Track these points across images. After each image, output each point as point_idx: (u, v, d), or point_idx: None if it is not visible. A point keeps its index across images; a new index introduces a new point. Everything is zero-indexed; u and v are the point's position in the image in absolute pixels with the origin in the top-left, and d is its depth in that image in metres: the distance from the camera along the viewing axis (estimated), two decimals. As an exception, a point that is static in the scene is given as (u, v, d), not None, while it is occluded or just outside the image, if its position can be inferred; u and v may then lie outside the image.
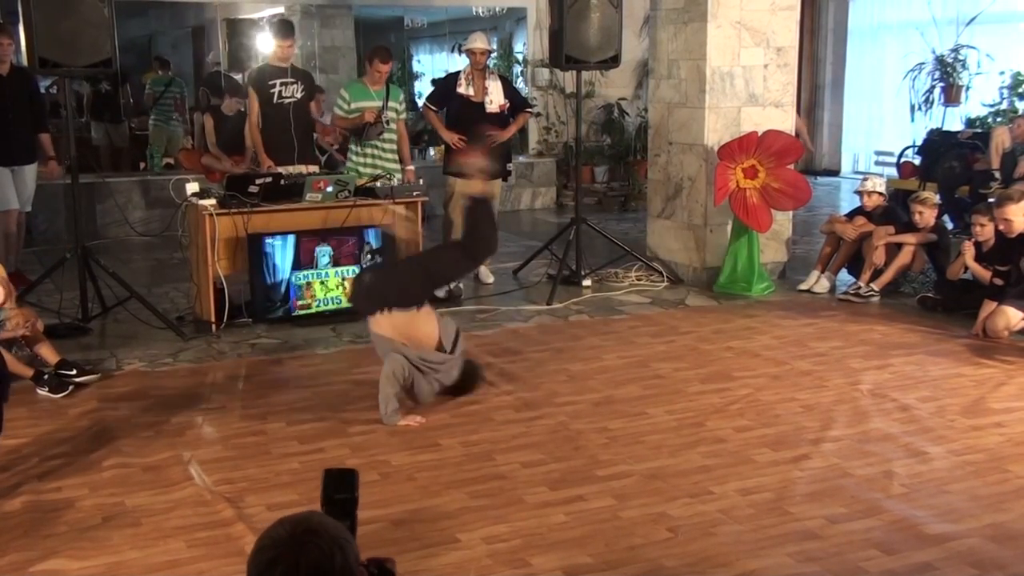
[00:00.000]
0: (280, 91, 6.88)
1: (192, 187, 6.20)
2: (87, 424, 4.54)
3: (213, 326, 5.98)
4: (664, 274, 7.43)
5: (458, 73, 7.43)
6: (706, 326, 6.25)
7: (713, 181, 6.96)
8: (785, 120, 7.35)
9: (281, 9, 12.06)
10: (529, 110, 8.08)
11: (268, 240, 5.99)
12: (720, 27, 7.07)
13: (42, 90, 8.04)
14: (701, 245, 7.33)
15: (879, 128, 13.60)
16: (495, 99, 7.33)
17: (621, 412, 4.67)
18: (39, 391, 4.89)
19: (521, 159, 11.62)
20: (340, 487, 2.05)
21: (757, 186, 6.90)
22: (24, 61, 6.07)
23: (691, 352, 5.67)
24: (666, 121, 7.49)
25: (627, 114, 12.10)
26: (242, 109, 9.31)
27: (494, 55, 10.52)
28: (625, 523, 3.52)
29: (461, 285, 6.99)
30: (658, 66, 7.52)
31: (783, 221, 7.46)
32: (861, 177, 8.22)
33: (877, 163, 13.27)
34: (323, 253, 6.15)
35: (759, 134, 6.89)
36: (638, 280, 7.43)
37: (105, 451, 4.20)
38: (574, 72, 7.70)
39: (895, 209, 7.34)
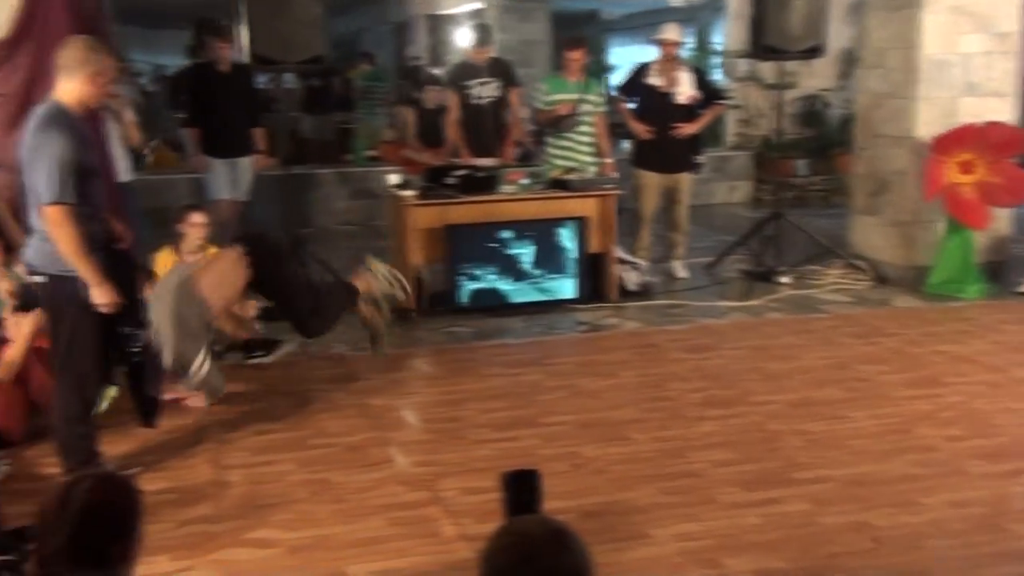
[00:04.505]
0: (476, 91, 7.06)
1: (393, 178, 6.47)
2: (293, 404, 4.76)
3: (412, 313, 6.18)
4: (868, 273, 7.10)
5: (648, 63, 7.36)
6: (913, 328, 5.93)
7: (925, 175, 6.59)
8: (1005, 111, 6.87)
9: (480, 4, 12.29)
10: (722, 102, 7.89)
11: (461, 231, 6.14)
12: (935, 13, 6.67)
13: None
14: (909, 243, 6.95)
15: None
16: (684, 90, 7.20)
17: (820, 414, 4.50)
18: (249, 361, 5.23)
19: (716, 152, 11.39)
20: (524, 488, 2.06)
21: (973, 181, 6.49)
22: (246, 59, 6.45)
23: (897, 355, 5.40)
24: (873, 113, 7.15)
25: (830, 105, 11.63)
26: (442, 102, 9.56)
27: (688, 46, 10.33)
28: (823, 529, 3.39)
29: (654, 279, 6.92)
30: (867, 55, 7.19)
31: (1001, 218, 6.99)
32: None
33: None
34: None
35: (979, 126, 6.47)
36: (840, 279, 7.13)
37: (311, 430, 4.41)
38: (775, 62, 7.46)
39: None
